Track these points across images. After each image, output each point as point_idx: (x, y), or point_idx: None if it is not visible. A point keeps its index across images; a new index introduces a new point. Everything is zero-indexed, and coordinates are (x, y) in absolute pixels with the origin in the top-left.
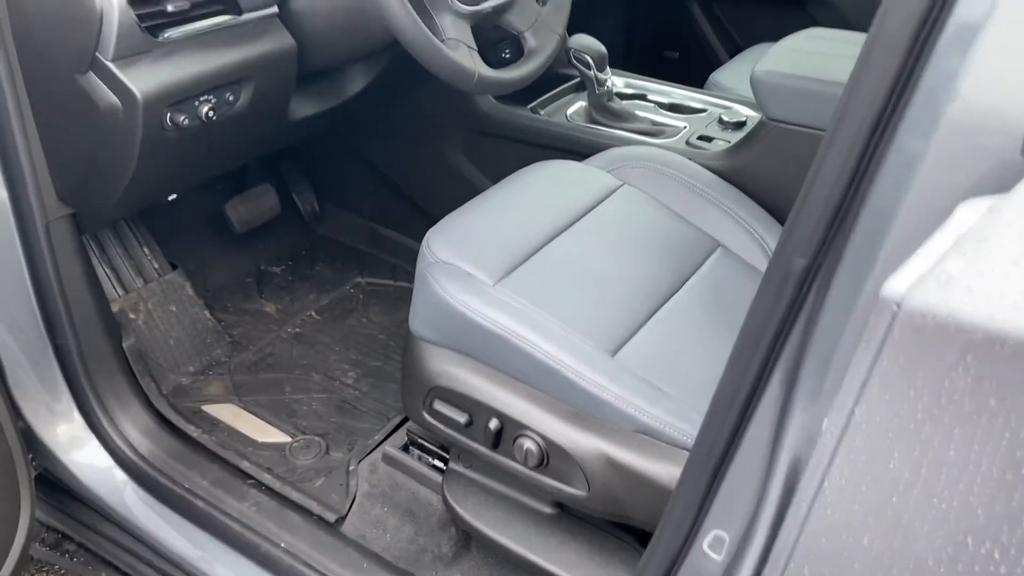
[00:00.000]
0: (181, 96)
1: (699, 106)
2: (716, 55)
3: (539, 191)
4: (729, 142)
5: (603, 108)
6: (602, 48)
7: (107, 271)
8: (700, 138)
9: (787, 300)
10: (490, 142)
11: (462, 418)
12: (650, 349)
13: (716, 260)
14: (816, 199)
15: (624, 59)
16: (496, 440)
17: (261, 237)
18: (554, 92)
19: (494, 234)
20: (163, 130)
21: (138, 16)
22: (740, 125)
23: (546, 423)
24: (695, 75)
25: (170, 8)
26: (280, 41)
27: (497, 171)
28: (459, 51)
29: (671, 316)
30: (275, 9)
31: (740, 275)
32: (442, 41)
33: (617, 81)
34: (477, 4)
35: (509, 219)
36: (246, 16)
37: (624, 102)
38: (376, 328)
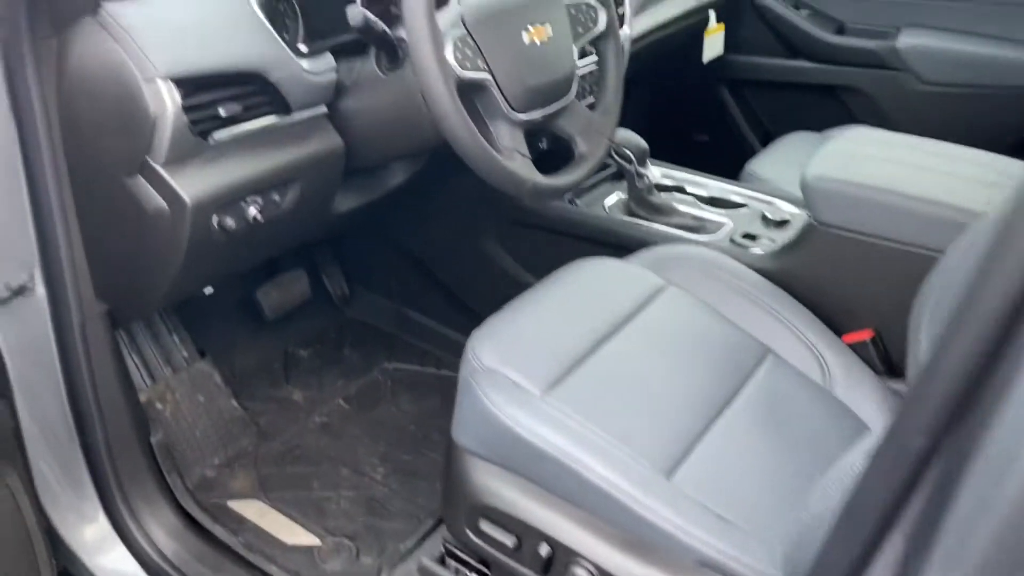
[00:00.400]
0: (229, 200)
1: (740, 200)
2: (747, 140)
3: (584, 292)
4: (774, 241)
5: (643, 201)
6: (643, 143)
7: (136, 361)
8: (744, 236)
9: (904, 476)
10: (526, 232)
11: (510, 541)
12: (708, 470)
13: (768, 368)
14: (945, 377)
15: (652, 140)
16: (547, 567)
17: (289, 320)
18: (591, 182)
19: (541, 339)
20: (209, 233)
21: (190, 120)
22: (784, 223)
23: (601, 552)
24: (726, 158)
25: (223, 113)
26: (328, 141)
27: (533, 262)
28: (514, 160)
29: (727, 431)
30: (324, 109)
31: (794, 385)
32: (497, 150)
33: (654, 171)
34: (530, 113)
35: (555, 323)
36: (295, 116)
37: (663, 194)
38: (405, 418)
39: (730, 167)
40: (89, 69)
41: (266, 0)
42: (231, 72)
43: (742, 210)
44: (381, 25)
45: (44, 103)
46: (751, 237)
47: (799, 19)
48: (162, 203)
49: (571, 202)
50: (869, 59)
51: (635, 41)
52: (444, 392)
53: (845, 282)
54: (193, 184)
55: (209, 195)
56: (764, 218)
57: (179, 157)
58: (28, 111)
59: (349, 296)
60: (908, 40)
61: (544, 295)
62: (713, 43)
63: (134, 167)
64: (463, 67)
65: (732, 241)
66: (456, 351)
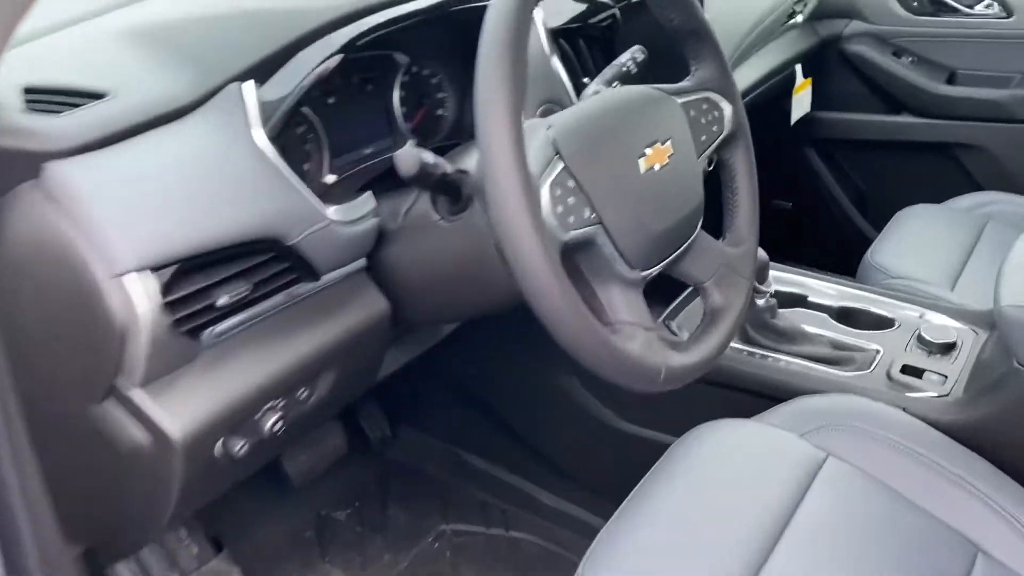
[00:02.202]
0: (238, 418)
1: (880, 312)
2: (839, 205)
3: (723, 476)
4: (944, 377)
5: (764, 325)
6: (762, 253)
7: (129, 571)
8: (904, 370)
9: None
10: None
11: None
12: None
13: None
14: None
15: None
16: None
17: (320, 476)
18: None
19: (687, 563)
20: (212, 461)
21: (175, 319)
22: (950, 347)
23: None
24: (815, 227)
25: (222, 302)
26: (370, 306)
27: (623, 403)
28: (635, 340)
29: None
30: (363, 263)
31: None
32: (609, 325)
33: None
34: (653, 267)
35: (696, 533)
36: (325, 279)
37: (783, 310)
38: None
39: (824, 240)
40: (29, 256)
41: (280, 127)
42: (233, 244)
43: (890, 331)
44: (442, 167)
45: None
46: (914, 372)
47: (901, 68)
48: (139, 436)
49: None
50: (990, 111)
51: None
52: (518, 562)
53: None
54: (184, 407)
55: (208, 420)
56: (921, 340)
57: (162, 371)
58: None
59: (391, 437)
60: None
61: (671, 486)
62: (801, 101)
63: (98, 392)
64: (565, 224)
65: (890, 378)
66: (523, 503)
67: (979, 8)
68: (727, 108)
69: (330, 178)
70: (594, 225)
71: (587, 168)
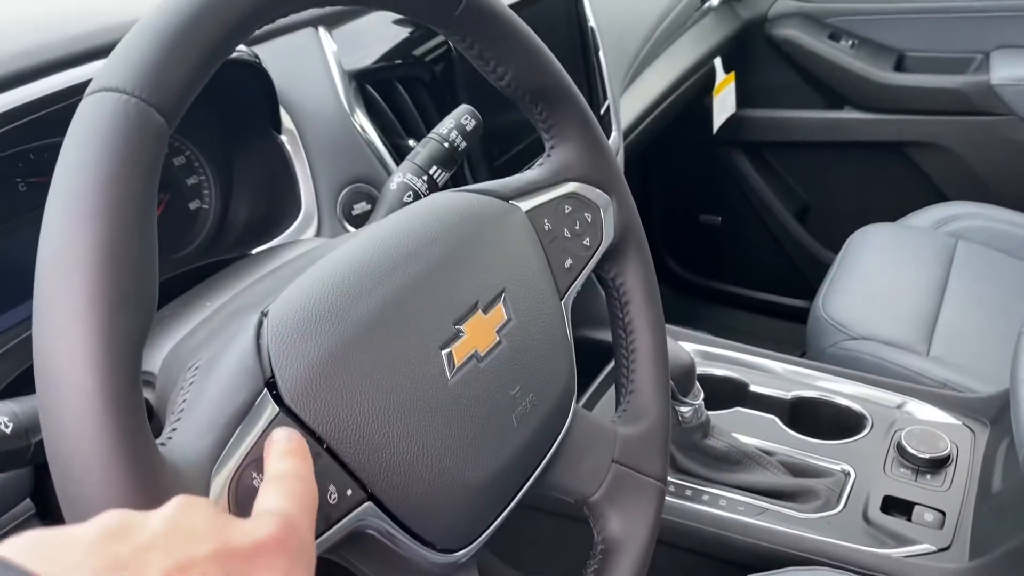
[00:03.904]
0: None
1: (846, 405)
2: (774, 216)
3: None
4: (942, 513)
5: (695, 448)
6: (684, 355)
7: None
8: (885, 505)
9: None
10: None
11: None
12: None
13: None
14: None
15: (645, 225)
16: None
17: None
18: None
19: None
20: None
21: None
22: (942, 463)
23: None
24: (747, 246)
25: None
26: None
27: (522, 553)
28: None
29: None
30: (28, 507)
31: None
32: None
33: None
34: (486, 528)
35: None
36: None
37: (716, 415)
38: None
39: (762, 259)
40: None
41: None
42: None
43: (861, 439)
44: None
45: None
46: (900, 507)
47: (840, 54)
48: None
49: None
50: (947, 102)
51: (627, 133)
52: None
53: None
54: None
55: None
56: (903, 452)
57: None
58: None
59: None
60: (1006, 71)
61: None
62: (724, 102)
63: None
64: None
65: (868, 521)
66: None
67: None
68: (606, 204)
69: None
70: (357, 508)
71: (333, 399)
